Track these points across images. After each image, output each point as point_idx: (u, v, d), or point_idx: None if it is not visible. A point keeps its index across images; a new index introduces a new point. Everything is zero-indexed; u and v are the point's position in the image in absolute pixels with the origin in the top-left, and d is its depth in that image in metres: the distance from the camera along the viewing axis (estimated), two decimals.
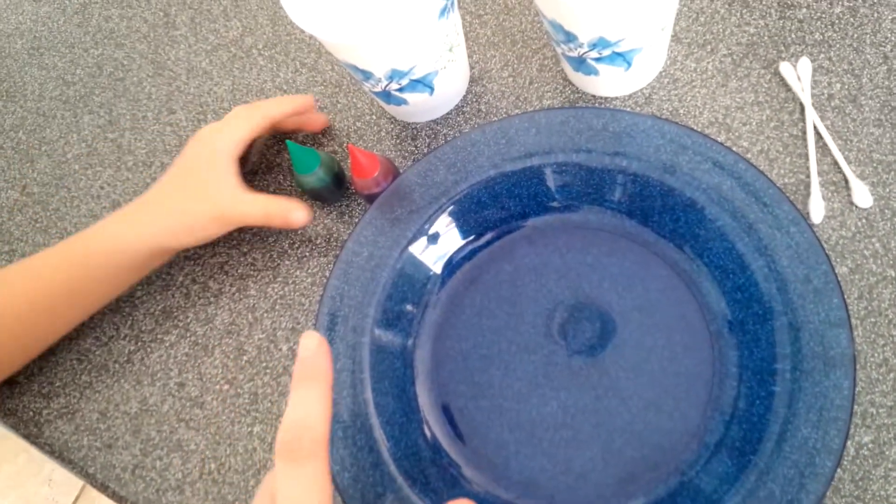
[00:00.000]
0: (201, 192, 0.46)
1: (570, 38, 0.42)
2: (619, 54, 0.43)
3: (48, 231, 0.55)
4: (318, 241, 0.50)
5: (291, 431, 0.29)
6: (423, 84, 0.46)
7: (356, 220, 0.50)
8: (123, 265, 0.47)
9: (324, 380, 0.31)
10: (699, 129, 0.47)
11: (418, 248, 0.46)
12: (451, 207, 0.46)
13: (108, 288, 0.48)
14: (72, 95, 0.59)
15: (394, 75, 0.44)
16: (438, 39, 0.43)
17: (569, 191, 0.46)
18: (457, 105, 0.51)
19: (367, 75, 0.45)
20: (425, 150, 0.51)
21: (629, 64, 0.44)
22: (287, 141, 0.46)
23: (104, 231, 0.47)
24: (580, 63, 0.45)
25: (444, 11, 0.42)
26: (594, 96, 0.49)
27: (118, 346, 0.50)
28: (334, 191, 0.49)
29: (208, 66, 0.57)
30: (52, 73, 0.61)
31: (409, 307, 0.46)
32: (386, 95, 0.47)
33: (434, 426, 0.43)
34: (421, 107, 0.49)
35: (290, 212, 0.46)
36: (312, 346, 0.31)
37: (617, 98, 0.49)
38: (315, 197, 0.49)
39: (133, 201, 0.47)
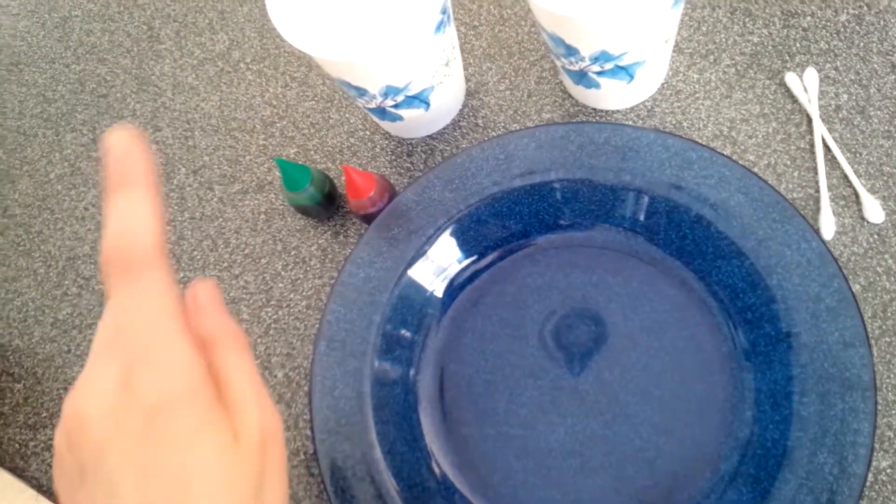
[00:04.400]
0: None
1: (571, 51, 0.41)
2: (621, 68, 0.41)
3: (31, 254, 0.53)
4: (312, 263, 0.48)
5: (116, 243, 0.25)
6: (419, 100, 0.45)
7: (351, 239, 0.48)
8: None
9: (144, 182, 0.26)
10: (704, 142, 0.45)
11: (418, 271, 0.44)
12: (451, 227, 0.45)
13: None
14: (53, 113, 0.57)
15: (389, 92, 0.43)
16: (435, 55, 0.42)
17: (571, 208, 0.45)
18: (453, 119, 0.50)
19: (361, 92, 0.43)
20: (421, 167, 0.49)
21: (632, 77, 0.43)
22: (276, 158, 0.44)
23: None
24: (581, 76, 0.43)
25: (440, 26, 0.41)
26: (595, 109, 0.48)
27: None
28: (326, 208, 0.47)
29: (194, 81, 0.55)
30: (33, 90, 0.59)
31: (409, 332, 0.44)
32: (381, 112, 0.46)
33: (439, 456, 0.42)
34: (416, 122, 0.47)
35: None
36: (124, 145, 0.26)
37: (618, 111, 0.47)
38: (306, 214, 0.48)
39: None
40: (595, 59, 0.41)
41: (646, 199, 0.44)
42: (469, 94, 0.50)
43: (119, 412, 0.24)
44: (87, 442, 0.24)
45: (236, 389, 0.27)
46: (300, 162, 0.51)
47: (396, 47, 0.39)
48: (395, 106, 0.45)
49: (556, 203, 0.45)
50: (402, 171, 0.49)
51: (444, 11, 0.40)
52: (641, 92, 0.46)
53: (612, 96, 0.46)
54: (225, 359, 0.27)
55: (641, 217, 0.44)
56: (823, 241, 0.40)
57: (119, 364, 0.25)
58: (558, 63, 0.44)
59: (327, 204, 0.47)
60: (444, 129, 0.50)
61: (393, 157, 0.50)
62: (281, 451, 0.28)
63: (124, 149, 0.26)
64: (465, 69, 0.51)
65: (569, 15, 0.36)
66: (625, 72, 0.42)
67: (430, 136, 0.50)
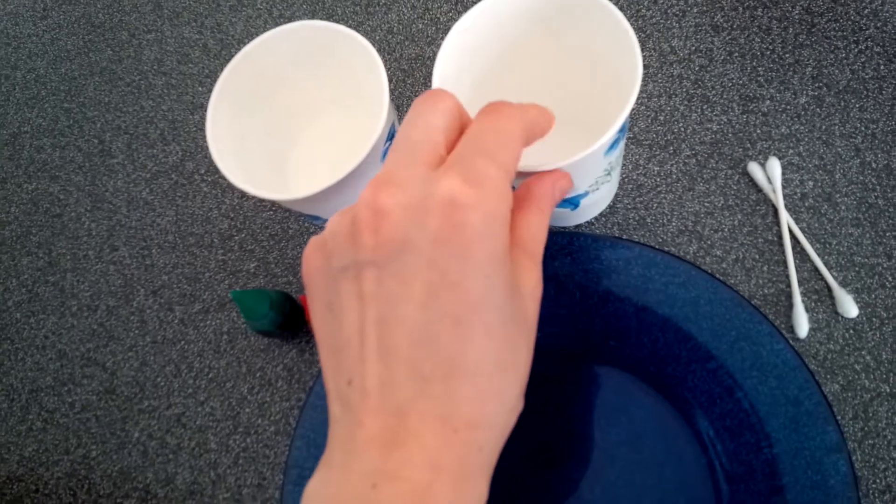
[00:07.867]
0: None
1: None
2: (565, 200, 0.40)
3: None
4: (279, 385, 0.47)
5: (499, 102, 0.27)
6: None
7: (317, 357, 0.47)
8: None
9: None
10: (669, 238, 0.44)
11: None
12: None
13: None
14: (8, 236, 0.56)
15: None
16: None
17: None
18: None
19: (314, 218, 0.42)
20: None
21: (576, 206, 0.41)
22: (231, 292, 0.43)
23: None
24: None
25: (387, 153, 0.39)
26: None
27: None
28: (290, 327, 0.46)
29: (149, 196, 0.54)
30: None
31: None
32: None
33: None
34: None
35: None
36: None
37: None
38: (270, 336, 0.46)
39: None
40: None
41: (613, 302, 0.42)
42: None
43: (421, 204, 0.23)
44: (385, 231, 0.23)
45: (530, 245, 0.27)
46: (261, 276, 0.50)
47: (340, 183, 0.37)
48: None
49: None
50: None
51: (391, 138, 0.39)
52: (591, 212, 0.44)
53: (558, 219, 0.44)
54: (526, 213, 0.28)
55: (611, 321, 0.43)
56: (792, 344, 0.39)
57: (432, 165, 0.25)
58: None
59: (289, 325, 0.46)
60: None
61: None
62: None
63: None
64: None
65: None
66: (568, 202, 0.40)
67: None
